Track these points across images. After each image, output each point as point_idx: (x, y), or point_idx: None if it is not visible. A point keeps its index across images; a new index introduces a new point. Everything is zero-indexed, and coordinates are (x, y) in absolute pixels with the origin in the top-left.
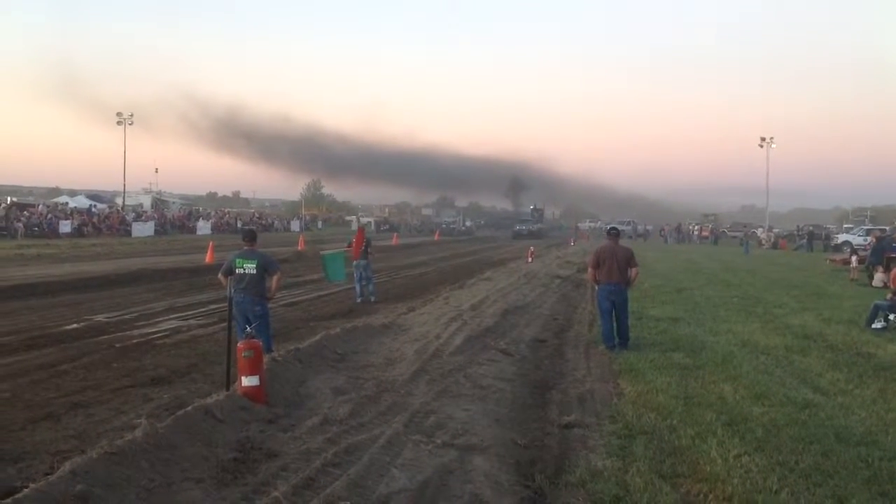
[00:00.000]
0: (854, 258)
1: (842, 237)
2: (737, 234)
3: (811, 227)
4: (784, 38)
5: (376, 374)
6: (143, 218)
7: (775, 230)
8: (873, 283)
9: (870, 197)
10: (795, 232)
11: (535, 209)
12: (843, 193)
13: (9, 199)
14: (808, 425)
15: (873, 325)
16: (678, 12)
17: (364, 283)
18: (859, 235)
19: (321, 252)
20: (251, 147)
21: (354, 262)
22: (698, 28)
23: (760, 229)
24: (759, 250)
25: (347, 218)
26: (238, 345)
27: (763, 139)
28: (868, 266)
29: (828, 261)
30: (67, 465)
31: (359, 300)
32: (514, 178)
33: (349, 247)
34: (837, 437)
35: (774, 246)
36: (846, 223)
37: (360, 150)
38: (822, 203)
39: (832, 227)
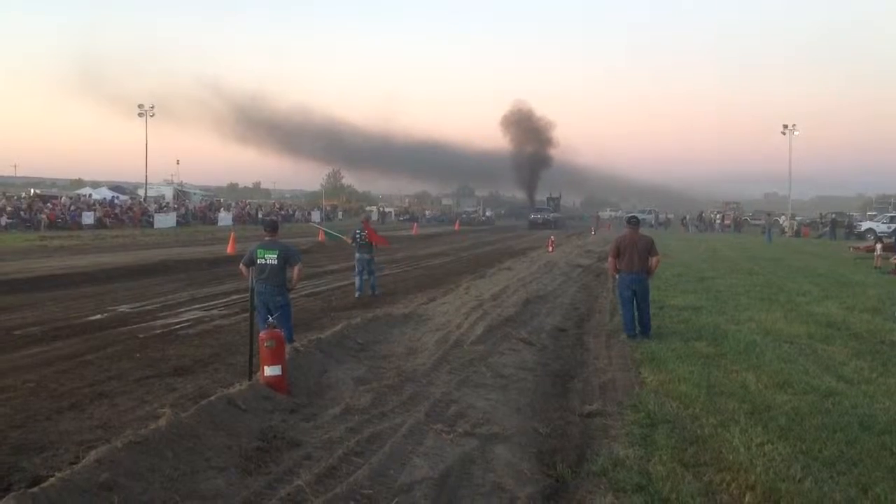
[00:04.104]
0: (878, 246)
1: (865, 225)
2: (759, 222)
3: (834, 215)
4: (807, 23)
5: (397, 364)
6: (165, 209)
7: (798, 218)
8: None
9: (894, 184)
10: (818, 220)
11: (550, 198)
12: (866, 181)
13: (32, 190)
14: (832, 414)
15: None
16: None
17: (366, 276)
18: (883, 223)
19: (317, 226)
20: (273, 138)
21: (357, 256)
22: (721, 15)
23: (783, 217)
24: (782, 238)
25: (368, 208)
26: (260, 335)
27: (785, 126)
28: None
29: (851, 248)
30: (92, 455)
31: (357, 294)
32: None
33: (352, 241)
34: (862, 425)
35: (797, 234)
36: (870, 211)
37: (379, 143)
38: (846, 191)
39: (855, 214)
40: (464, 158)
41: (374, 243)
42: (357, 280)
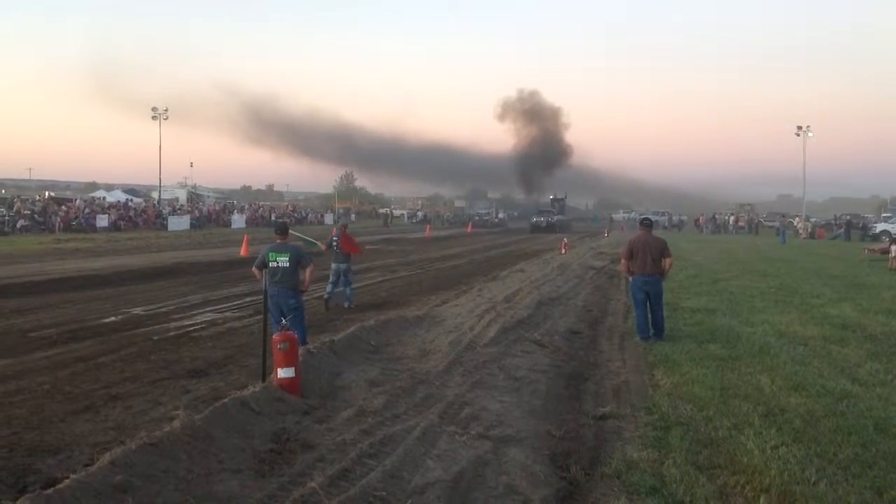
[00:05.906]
0: (893, 248)
1: (880, 226)
2: (773, 223)
3: (849, 217)
4: (821, 23)
5: (411, 366)
6: (179, 212)
7: (812, 220)
8: None
9: None
10: (833, 221)
11: (555, 199)
12: (881, 182)
13: (46, 193)
14: (847, 416)
15: None
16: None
17: (339, 287)
18: None
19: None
20: (287, 140)
21: (334, 266)
22: (734, 16)
23: (797, 219)
24: (796, 240)
25: (381, 210)
26: (273, 337)
27: (800, 128)
28: None
29: (866, 250)
30: (107, 457)
31: (326, 308)
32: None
33: (328, 248)
34: (877, 427)
35: (812, 235)
36: (884, 212)
37: (391, 145)
38: (860, 192)
39: (870, 216)
40: (475, 161)
41: (346, 252)
42: (328, 287)
